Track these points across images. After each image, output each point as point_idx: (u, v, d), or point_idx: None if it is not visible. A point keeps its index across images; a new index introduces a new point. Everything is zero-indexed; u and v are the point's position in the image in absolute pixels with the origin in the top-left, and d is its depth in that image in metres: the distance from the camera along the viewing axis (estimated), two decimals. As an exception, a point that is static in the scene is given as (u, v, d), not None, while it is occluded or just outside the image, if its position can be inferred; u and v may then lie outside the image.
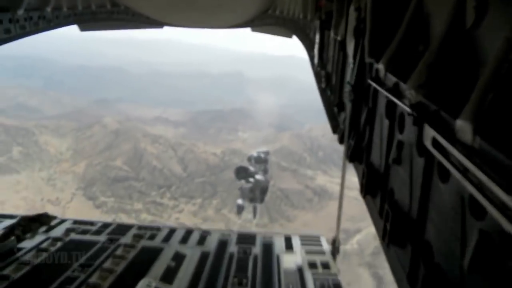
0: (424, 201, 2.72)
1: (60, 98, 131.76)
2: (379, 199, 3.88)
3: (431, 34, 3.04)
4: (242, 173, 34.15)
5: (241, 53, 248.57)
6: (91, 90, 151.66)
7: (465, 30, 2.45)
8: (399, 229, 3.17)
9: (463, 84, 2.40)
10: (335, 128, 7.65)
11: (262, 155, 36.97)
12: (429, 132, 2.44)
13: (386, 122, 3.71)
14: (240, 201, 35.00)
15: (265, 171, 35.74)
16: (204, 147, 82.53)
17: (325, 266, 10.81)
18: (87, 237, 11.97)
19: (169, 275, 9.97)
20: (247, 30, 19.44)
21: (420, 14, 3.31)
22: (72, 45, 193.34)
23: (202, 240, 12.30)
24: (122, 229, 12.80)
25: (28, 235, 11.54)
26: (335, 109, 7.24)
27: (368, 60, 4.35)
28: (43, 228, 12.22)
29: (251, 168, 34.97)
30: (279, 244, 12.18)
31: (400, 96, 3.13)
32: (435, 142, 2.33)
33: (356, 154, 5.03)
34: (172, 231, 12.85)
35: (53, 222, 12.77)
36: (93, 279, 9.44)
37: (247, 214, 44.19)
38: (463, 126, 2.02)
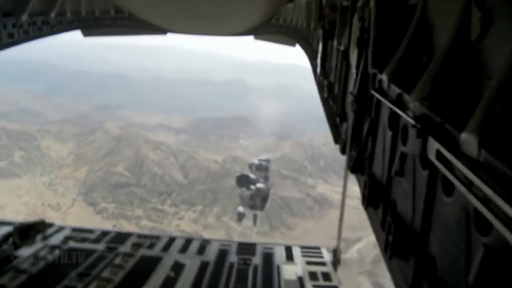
0: (427, 214, 2.69)
1: (63, 103, 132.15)
2: (381, 210, 3.84)
3: (435, 46, 3.02)
4: (243, 181, 34.08)
5: (244, 61, 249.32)
6: (94, 95, 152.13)
7: (470, 42, 2.44)
8: (401, 242, 3.13)
9: (467, 97, 2.38)
10: (337, 138, 7.61)
11: (263, 163, 36.95)
12: (433, 145, 2.42)
13: (389, 134, 3.68)
14: (241, 209, 34.92)
15: (266, 179, 35.67)
16: (205, 155, 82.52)
17: (326, 277, 10.71)
18: (86, 245, 11.87)
19: (168, 285, 9.88)
20: (250, 38, 19.54)
21: (424, 25, 3.30)
22: (75, 50, 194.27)
23: (201, 249, 12.20)
24: (121, 237, 12.71)
25: (25, 242, 11.43)
26: (337, 119, 7.22)
27: (371, 70, 4.33)
28: (41, 236, 12.12)
29: (252, 176, 34.92)
30: (279, 254, 12.08)
31: (403, 108, 3.11)
32: (439, 155, 2.31)
33: (358, 165, 5.00)
34: (171, 240, 12.77)
35: (52, 230, 12.67)
36: None
37: (247, 221, 44.05)
38: (468, 139, 2.00)
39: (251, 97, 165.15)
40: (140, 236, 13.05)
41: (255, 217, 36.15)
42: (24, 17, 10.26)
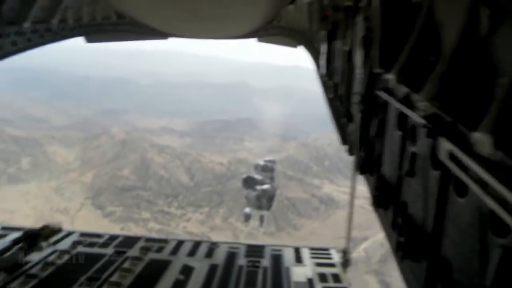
0: (439, 216, 2.64)
1: (67, 109, 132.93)
2: (392, 211, 3.79)
3: (443, 43, 2.97)
4: (250, 183, 34.06)
5: (246, 63, 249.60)
6: (97, 100, 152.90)
7: (479, 38, 2.39)
8: (413, 243, 3.09)
9: (478, 95, 2.34)
10: (343, 139, 7.55)
11: (269, 164, 36.92)
12: (445, 145, 2.37)
13: (398, 134, 3.64)
14: (247, 210, 34.86)
15: (271, 179, 35.64)
16: (211, 157, 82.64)
17: (336, 278, 10.63)
18: (94, 249, 11.91)
19: None
20: (252, 40, 19.53)
21: (430, 23, 3.25)
22: (77, 56, 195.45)
23: (210, 252, 12.16)
24: (130, 241, 12.72)
25: (33, 249, 11.49)
26: (344, 120, 7.16)
27: (377, 70, 4.29)
28: (46, 243, 12.15)
29: (258, 177, 34.89)
30: (288, 256, 12.01)
31: (412, 107, 3.06)
32: (451, 155, 2.26)
33: (367, 166, 4.94)
34: (180, 243, 12.75)
35: (60, 235, 12.73)
36: None
37: (254, 222, 44.04)
38: (481, 139, 1.96)
39: (254, 99, 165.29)
40: (148, 239, 13.06)
41: (261, 218, 36.09)
42: (27, 25, 10.31)
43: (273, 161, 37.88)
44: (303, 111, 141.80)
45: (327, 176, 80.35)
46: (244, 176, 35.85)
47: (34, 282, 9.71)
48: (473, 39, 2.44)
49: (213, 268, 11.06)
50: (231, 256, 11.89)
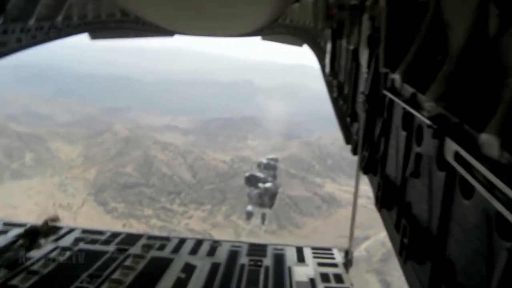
0: (445, 217, 2.61)
1: (70, 106, 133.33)
2: (396, 212, 3.77)
3: (450, 44, 2.94)
4: (252, 181, 34.05)
5: (251, 61, 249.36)
6: (102, 98, 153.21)
7: (487, 39, 2.36)
8: (417, 245, 3.06)
9: (486, 96, 2.31)
10: (347, 138, 7.51)
11: (272, 162, 36.91)
12: (451, 146, 2.35)
13: (403, 134, 3.61)
14: (249, 208, 34.87)
15: (274, 177, 35.63)
16: (213, 155, 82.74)
17: (338, 278, 10.58)
18: (96, 246, 11.90)
19: (179, 287, 9.86)
20: (257, 39, 19.50)
21: (438, 23, 3.23)
22: (81, 54, 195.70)
23: (212, 250, 12.13)
24: (132, 238, 12.71)
25: (34, 246, 11.48)
26: (348, 119, 7.13)
27: (383, 70, 4.26)
28: (45, 240, 12.11)
29: (261, 175, 34.89)
30: (290, 256, 11.96)
31: (418, 108, 3.03)
32: (457, 156, 2.24)
33: (371, 166, 4.91)
34: (182, 241, 12.72)
35: (62, 231, 12.72)
36: None
37: (256, 220, 44.08)
38: (489, 140, 1.93)
39: (258, 98, 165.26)
40: (150, 237, 13.05)
41: (263, 216, 36.10)
42: (31, 22, 10.32)
43: (275, 159, 37.85)
44: (307, 110, 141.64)
45: (329, 175, 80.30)
46: (246, 174, 35.84)
47: (35, 278, 9.72)
48: (482, 39, 2.41)
49: (215, 267, 11.03)
50: (233, 255, 11.87)
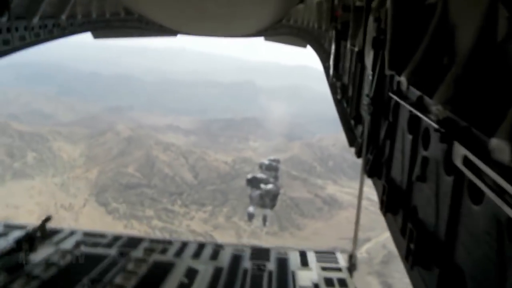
0: (453, 222, 2.57)
1: (74, 105, 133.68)
2: (401, 217, 3.72)
3: (458, 46, 2.90)
4: (254, 183, 34.05)
5: (253, 62, 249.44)
6: (104, 97, 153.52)
7: (496, 42, 2.33)
8: (424, 250, 3.01)
9: (495, 100, 2.28)
10: (351, 141, 7.47)
11: (273, 163, 36.93)
12: (460, 150, 2.31)
13: (409, 137, 3.57)
14: (251, 209, 34.85)
15: (275, 178, 35.63)
16: (215, 155, 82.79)
17: (342, 283, 10.46)
18: (98, 250, 11.76)
19: None
20: (260, 39, 19.49)
21: (445, 25, 3.19)
22: (85, 53, 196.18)
23: (215, 254, 12.00)
24: (133, 242, 12.58)
25: (35, 248, 11.35)
26: (352, 122, 7.09)
27: (388, 72, 4.22)
28: (43, 242, 11.95)
29: (262, 176, 34.89)
30: (294, 260, 11.84)
31: (424, 111, 2.99)
32: (466, 161, 2.20)
33: (375, 169, 4.87)
34: (184, 244, 12.60)
35: (63, 234, 12.57)
36: None
37: (257, 221, 44.07)
38: (499, 145, 1.90)
39: (260, 99, 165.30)
40: (152, 240, 12.93)
41: (265, 217, 36.07)
42: (36, 20, 10.33)
43: (277, 161, 37.86)
44: (309, 111, 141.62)
45: (330, 177, 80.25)
46: (248, 176, 35.84)
47: (35, 283, 9.62)
48: (490, 42, 2.37)
49: (217, 271, 10.91)
50: (236, 259, 11.74)
